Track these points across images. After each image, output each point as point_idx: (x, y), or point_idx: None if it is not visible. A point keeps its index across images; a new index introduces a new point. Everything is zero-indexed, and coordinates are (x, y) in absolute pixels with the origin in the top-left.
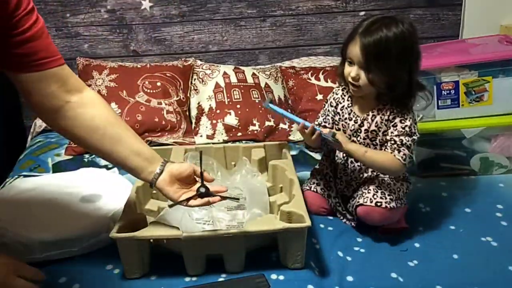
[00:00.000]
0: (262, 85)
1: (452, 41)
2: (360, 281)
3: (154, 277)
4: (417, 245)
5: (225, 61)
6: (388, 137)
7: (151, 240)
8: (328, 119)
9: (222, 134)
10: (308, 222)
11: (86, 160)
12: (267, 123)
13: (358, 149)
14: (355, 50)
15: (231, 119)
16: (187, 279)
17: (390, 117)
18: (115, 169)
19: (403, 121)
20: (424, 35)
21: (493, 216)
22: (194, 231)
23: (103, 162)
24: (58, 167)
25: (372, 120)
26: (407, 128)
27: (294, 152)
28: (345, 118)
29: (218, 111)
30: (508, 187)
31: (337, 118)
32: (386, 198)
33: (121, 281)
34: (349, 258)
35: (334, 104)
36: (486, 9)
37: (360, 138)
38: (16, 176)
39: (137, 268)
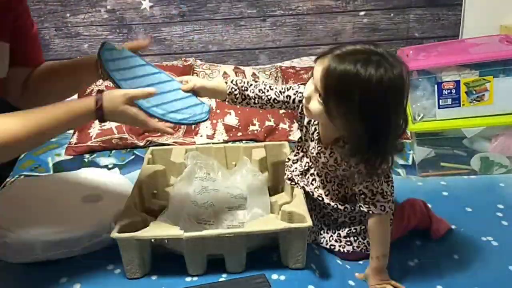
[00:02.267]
0: None
1: (453, 41)
2: (361, 285)
3: (155, 276)
4: (417, 243)
5: (225, 61)
6: (356, 188)
7: (152, 240)
8: (277, 100)
9: (222, 134)
10: (309, 222)
11: (86, 160)
12: (267, 123)
13: (378, 263)
14: (318, 70)
15: (231, 119)
16: (188, 279)
17: (351, 162)
18: (116, 169)
19: (368, 167)
20: (424, 35)
21: (494, 216)
22: (195, 231)
23: (103, 162)
24: (59, 167)
25: (330, 156)
26: (374, 177)
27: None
28: (309, 138)
29: (218, 111)
30: (508, 186)
31: (304, 130)
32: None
33: (122, 281)
34: (348, 267)
35: (299, 110)
36: (486, 9)
37: (318, 168)
38: (17, 176)
39: (138, 268)
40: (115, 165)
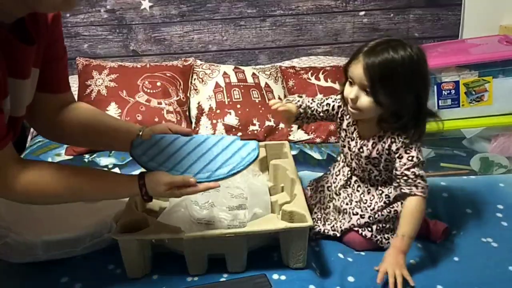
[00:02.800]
0: (262, 85)
1: (452, 41)
2: (361, 281)
3: (156, 276)
4: (417, 244)
5: (225, 61)
6: (398, 172)
7: (153, 240)
8: (320, 113)
9: (222, 134)
10: (310, 222)
11: (86, 160)
12: (267, 123)
13: (401, 243)
14: (357, 70)
15: (231, 119)
16: (189, 278)
17: (393, 148)
18: (116, 169)
19: (408, 151)
20: (424, 35)
21: (493, 216)
22: (196, 231)
23: (103, 162)
24: None
25: (373, 148)
26: (415, 159)
27: (294, 152)
28: (349, 138)
29: (218, 111)
30: (508, 187)
31: (343, 134)
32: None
33: (123, 281)
34: (350, 259)
35: (339, 115)
36: (486, 9)
37: (362, 163)
38: None
39: (139, 268)
40: (115, 165)
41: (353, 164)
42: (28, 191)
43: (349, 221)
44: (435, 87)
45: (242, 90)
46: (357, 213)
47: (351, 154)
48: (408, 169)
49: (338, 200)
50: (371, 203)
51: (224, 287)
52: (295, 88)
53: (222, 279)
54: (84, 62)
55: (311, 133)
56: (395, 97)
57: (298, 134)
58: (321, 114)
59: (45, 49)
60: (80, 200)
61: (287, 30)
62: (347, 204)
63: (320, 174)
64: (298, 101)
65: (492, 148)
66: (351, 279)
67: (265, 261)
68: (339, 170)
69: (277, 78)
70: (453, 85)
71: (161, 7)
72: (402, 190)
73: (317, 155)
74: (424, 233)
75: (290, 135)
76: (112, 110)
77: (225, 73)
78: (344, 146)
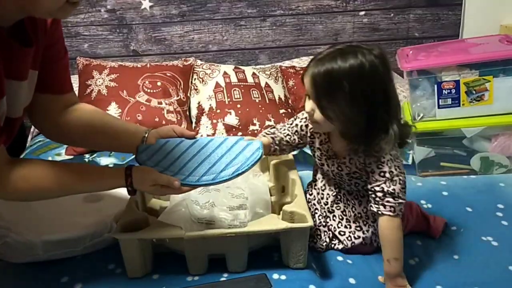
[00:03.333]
0: (262, 84)
1: (453, 41)
2: (362, 281)
3: (156, 276)
4: (417, 243)
5: (225, 61)
6: (369, 187)
7: (154, 240)
8: (294, 138)
9: (222, 133)
10: (310, 222)
11: (86, 159)
12: (267, 123)
13: (390, 267)
14: (306, 80)
15: (232, 119)
16: (189, 278)
17: (366, 161)
18: None
19: (380, 166)
20: (424, 35)
21: (494, 215)
22: (196, 231)
23: (103, 162)
24: None
25: (351, 163)
26: (387, 174)
27: (293, 152)
28: (325, 157)
29: (218, 111)
30: (508, 186)
31: (318, 154)
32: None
33: (123, 281)
34: (349, 261)
35: (309, 134)
36: (486, 9)
37: (345, 179)
38: None
39: (139, 268)
40: (115, 165)
41: (337, 179)
42: (20, 188)
43: (352, 244)
44: (435, 86)
45: (242, 90)
46: (359, 237)
47: (332, 172)
48: (378, 185)
49: (334, 220)
50: (367, 216)
51: (224, 287)
52: (295, 88)
53: (222, 279)
54: (84, 62)
55: None
56: (340, 111)
57: None
58: (294, 138)
59: (45, 50)
60: (71, 193)
61: (287, 30)
62: (345, 227)
63: None
64: (273, 133)
65: (492, 147)
66: (352, 281)
67: (265, 261)
68: (324, 185)
69: (277, 78)
70: (453, 84)
71: (161, 7)
72: (371, 209)
73: None
74: (425, 229)
75: None
76: (112, 110)
77: (225, 73)
78: (323, 165)
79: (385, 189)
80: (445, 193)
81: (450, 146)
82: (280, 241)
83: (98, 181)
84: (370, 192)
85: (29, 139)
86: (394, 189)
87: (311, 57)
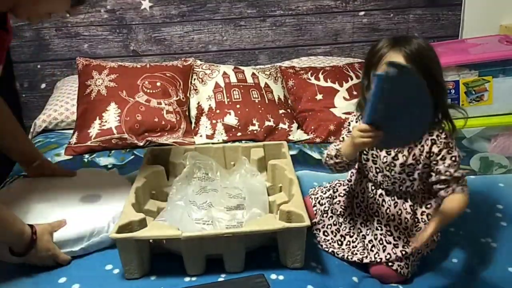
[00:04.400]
0: (262, 85)
1: (452, 41)
2: (362, 281)
3: (154, 277)
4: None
5: (224, 61)
6: (442, 176)
7: (151, 241)
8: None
9: (221, 134)
10: (307, 222)
11: (86, 160)
12: (266, 123)
13: (436, 223)
14: (396, 59)
15: (231, 119)
16: (187, 279)
17: (434, 150)
18: (115, 169)
19: (450, 151)
20: (424, 35)
21: (493, 216)
22: (194, 231)
23: (102, 162)
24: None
25: (409, 154)
26: (458, 159)
27: (293, 152)
28: (375, 150)
29: (217, 111)
30: (508, 187)
31: (366, 148)
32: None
33: (120, 281)
34: (347, 265)
35: None
36: (486, 9)
37: (395, 172)
38: (16, 176)
39: (137, 268)
40: (114, 165)
41: (379, 178)
42: None
43: (383, 251)
44: None
45: (242, 90)
46: (390, 242)
47: (377, 168)
48: (455, 170)
49: (367, 223)
50: (400, 219)
51: (222, 287)
52: (295, 88)
53: (220, 279)
54: (84, 62)
55: (311, 133)
56: (435, 81)
57: (297, 134)
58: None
59: None
60: None
61: (287, 30)
62: (377, 229)
63: (320, 174)
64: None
65: (492, 147)
66: (354, 278)
67: (263, 261)
68: (363, 188)
69: (277, 78)
70: (453, 84)
71: (161, 7)
72: (448, 193)
73: (316, 155)
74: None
75: (289, 135)
76: (112, 110)
77: (225, 73)
78: (368, 160)
79: (462, 173)
80: None
81: None
82: (278, 241)
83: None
84: (445, 177)
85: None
86: (464, 173)
87: (311, 57)
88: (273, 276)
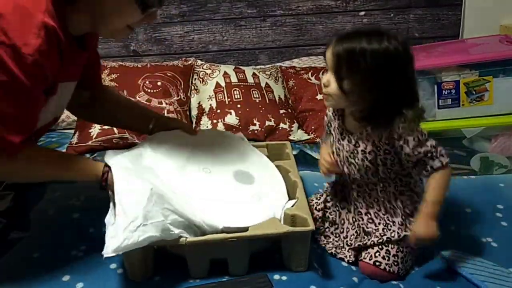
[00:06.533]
0: (263, 85)
1: (453, 41)
2: (363, 281)
3: (158, 278)
4: None
5: (225, 61)
6: (414, 158)
7: (155, 246)
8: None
9: None
10: (312, 226)
11: None
12: (267, 123)
13: (429, 211)
14: (328, 54)
15: (232, 119)
16: (191, 279)
17: (394, 136)
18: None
19: (411, 134)
20: (424, 35)
21: (493, 216)
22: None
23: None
24: None
25: (368, 141)
26: (421, 137)
27: (294, 152)
28: (338, 139)
29: (218, 111)
30: (508, 187)
31: (331, 140)
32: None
33: (125, 281)
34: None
35: (329, 125)
36: (486, 9)
37: (358, 160)
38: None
39: (141, 271)
40: None
41: (345, 169)
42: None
43: (368, 239)
44: (435, 86)
45: (243, 90)
46: (373, 230)
47: (342, 159)
48: (422, 147)
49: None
50: (378, 206)
51: (225, 287)
52: (295, 88)
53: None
54: None
55: (311, 133)
56: (359, 88)
57: (298, 134)
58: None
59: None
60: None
61: (287, 30)
62: (361, 219)
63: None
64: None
65: (492, 147)
66: (354, 279)
67: (266, 262)
68: (342, 184)
69: (277, 78)
70: (453, 84)
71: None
72: (425, 172)
73: (317, 155)
74: None
75: (290, 135)
76: None
77: (225, 73)
78: (338, 155)
79: (428, 148)
80: None
81: (450, 146)
82: (282, 245)
83: (75, 176)
84: (416, 159)
85: None
86: (431, 145)
87: (311, 57)
88: (277, 277)
